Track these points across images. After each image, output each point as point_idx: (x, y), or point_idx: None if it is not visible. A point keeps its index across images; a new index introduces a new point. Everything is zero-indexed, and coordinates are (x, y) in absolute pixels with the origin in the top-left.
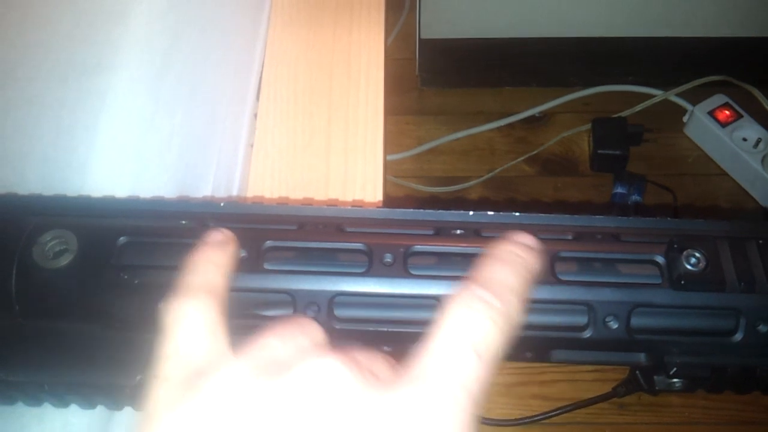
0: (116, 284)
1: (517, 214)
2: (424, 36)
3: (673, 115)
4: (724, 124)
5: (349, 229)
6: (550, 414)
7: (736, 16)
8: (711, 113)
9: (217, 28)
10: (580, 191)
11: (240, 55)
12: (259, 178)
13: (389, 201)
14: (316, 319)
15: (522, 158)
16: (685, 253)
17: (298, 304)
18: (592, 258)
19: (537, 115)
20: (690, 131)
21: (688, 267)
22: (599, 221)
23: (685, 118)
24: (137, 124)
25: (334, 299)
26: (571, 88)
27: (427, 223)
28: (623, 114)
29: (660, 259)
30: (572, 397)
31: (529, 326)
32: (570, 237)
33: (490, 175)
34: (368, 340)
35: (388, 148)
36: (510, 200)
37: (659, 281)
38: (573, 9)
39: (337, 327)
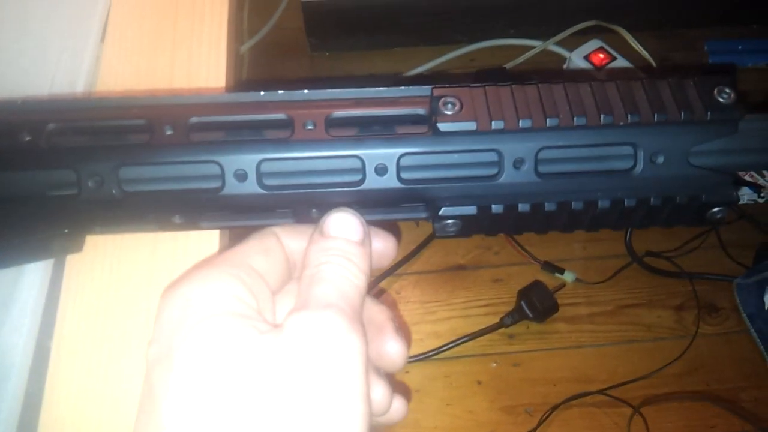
0: None
1: (306, 91)
2: None
3: (553, 63)
4: (599, 67)
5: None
6: (441, 349)
7: None
8: (587, 58)
9: None
10: None
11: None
12: None
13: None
14: (100, 189)
15: None
16: (442, 100)
17: (83, 178)
18: (364, 116)
19: (425, 73)
20: None
21: (446, 112)
22: (383, 92)
23: (564, 66)
24: None
25: (118, 169)
26: (458, 45)
27: (218, 104)
28: (507, 66)
29: (424, 112)
30: (465, 332)
31: (310, 185)
32: (351, 103)
33: None
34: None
35: None
36: None
37: (425, 131)
38: None
39: (128, 190)
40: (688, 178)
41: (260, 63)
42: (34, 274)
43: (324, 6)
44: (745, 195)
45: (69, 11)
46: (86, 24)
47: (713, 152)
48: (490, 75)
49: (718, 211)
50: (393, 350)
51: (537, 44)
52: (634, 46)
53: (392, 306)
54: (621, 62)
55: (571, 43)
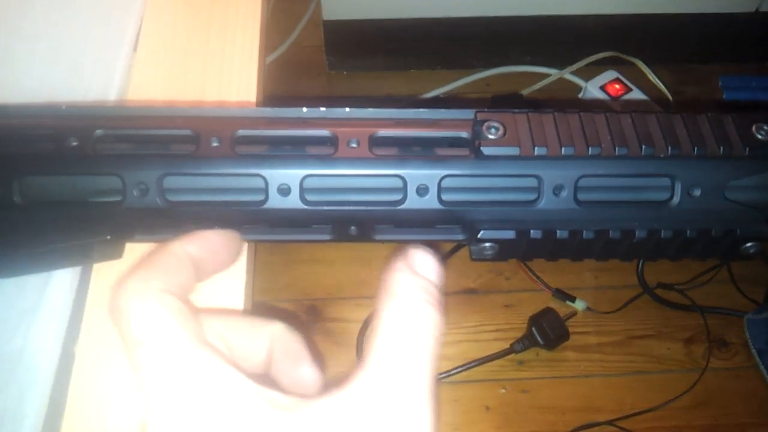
0: None
1: (348, 109)
2: (326, 17)
3: (569, 92)
4: (614, 98)
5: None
6: (450, 372)
7: None
8: (602, 88)
9: None
10: None
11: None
12: None
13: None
14: (144, 198)
15: None
16: (486, 124)
17: (127, 185)
18: (407, 137)
19: (441, 95)
20: None
21: (489, 136)
22: (424, 113)
23: (580, 95)
24: None
25: (163, 179)
26: (474, 70)
27: (261, 118)
28: (523, 92)
29: (467, 135)
30: (475, 357)
31: (351, 203)
32: (393, 123)
33: None
34: (201, 217)
35: None
36: None
37: (468, 154)
38: None
39: (171, 199)
40: (723, 212)
41: (278, 79)
42: (62, 278)
43: (344, 25)
44: None
45: (104, 22)
46: (120, 34)
47: (749, 188)
48: (506, 100)
49: (751, 246)
50: (308, 377)
51: (553, 72)
52: (650, 78)
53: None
54: (636, 94)
55: (587, 73)
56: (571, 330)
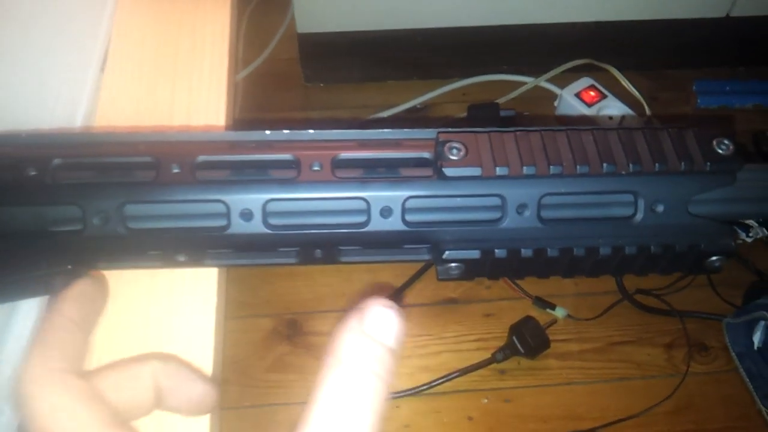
0: None
1: (311, 131)
2: (301, 30)
3: (544, 100)
4: (590, 105)
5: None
6: (432, 384)
7: (597, 2)
8: (578, 95)
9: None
10: None
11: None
12: None
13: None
14: (105, 226)
15: None
16: (447, 145)
17: (88, 214)
18: (370, 158)
19: (418, 106)
20: (560, 113)
21: (451, 157)
22: (387, 134)
23: (555, 102)
24: None
25: (123, 206)
26: (450, 80)
27: (224, 142)
28: (499, 101)
29: (429, 155)
30: (456, 367)
31: (315, 226)
32: (356, 145)
33: None
34: (163, 245)
35: None
36: None
37: (430, 175)
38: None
39: (132, 227)
40: (687, 226)
41: (254, 93)
42: (29, 306)
43: (319, 38)
44: None
45: (70, 42)
46: (87, 55)
47: (712, 202)
48: (483, 109)
49: (716, 259)
50: (201, 393)
51: (529, 80)
52: (625, 84)
53: None
54: (612, 100)
55: (563, 81)
56: (552, 338)
